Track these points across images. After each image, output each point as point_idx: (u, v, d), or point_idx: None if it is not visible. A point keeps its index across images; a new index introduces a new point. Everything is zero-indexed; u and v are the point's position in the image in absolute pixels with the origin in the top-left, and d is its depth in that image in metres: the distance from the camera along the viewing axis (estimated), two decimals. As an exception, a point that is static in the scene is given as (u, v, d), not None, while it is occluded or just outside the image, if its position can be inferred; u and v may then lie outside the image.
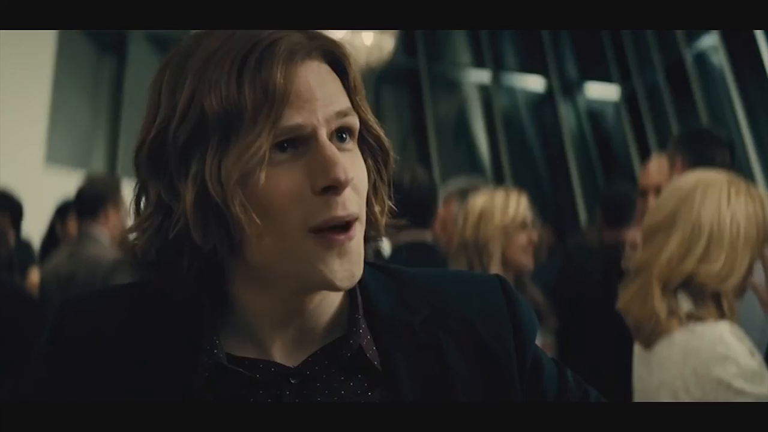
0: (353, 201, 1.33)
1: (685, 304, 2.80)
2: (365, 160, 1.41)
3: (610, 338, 3.38)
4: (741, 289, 2.85)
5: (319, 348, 1.42)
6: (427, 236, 4.51)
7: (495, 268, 4.12)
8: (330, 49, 1.38)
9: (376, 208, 1.45)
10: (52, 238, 6.38)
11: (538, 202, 9.22)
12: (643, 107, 13.50)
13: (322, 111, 1.31)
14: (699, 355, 2.67)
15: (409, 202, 4.45)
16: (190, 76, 1.30)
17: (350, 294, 1.48)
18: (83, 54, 10.83)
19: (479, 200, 4.33)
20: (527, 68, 14.75)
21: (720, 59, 11.69)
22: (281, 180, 1.29)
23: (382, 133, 1.45)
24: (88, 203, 5.28)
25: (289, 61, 1.29)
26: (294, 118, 1.28)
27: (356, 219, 1.33)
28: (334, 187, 1.29)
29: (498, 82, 14.21)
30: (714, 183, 2.89)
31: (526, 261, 4.26)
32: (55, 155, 9.89)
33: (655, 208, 3.02)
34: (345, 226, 1.32)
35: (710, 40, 11.92)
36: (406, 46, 13.57)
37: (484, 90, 14.24)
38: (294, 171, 1.29)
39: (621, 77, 14.32)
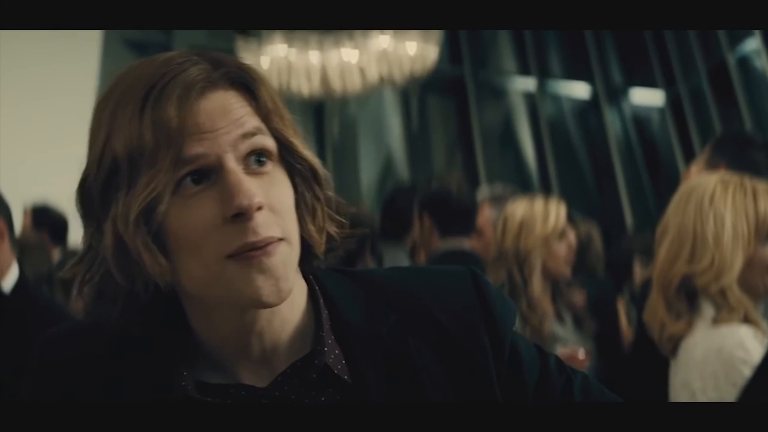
0: (269, 224, 1.32)
1: (708, 310, 2.82)
2: (294, 180, 1.42)
3: (650, 347, 3.37)
4: (752, 289, 2.85)
5: (288, 366, 1.42)
6: (465, 244, 4.53)
7: (536, 279, 4.12)
8: (236, 74, 1.38)
9: (312, 228, 1.43)
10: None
11: (584, 209, 9.13)
12: (688, 112, 13.42)
13: (225, 137, 1.31)
14: (719, 357, 2.69)
15: (459, 211, 4.50)
16: (106, 119, 1.33)
17: (314, 307, 1.48)
18: (127, 69, 10.92)
19: (519, 209, 4.27)
20: (572, 75, 14.70)
21: (763, 63, 11.61)
22: (193, 212, 1.30)
23: (306, 152, 1.43)
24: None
25: (186, 96, 1.30)
26: (195, 149, 1.29)
27: (276, 240, 1.33)
28: (242, 214, 1.29)
29: (543, 89, 14.17)
30: (699, 185, 2.94)
31: (565, 270, 4.25)
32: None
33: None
34: (261, 248, 1.31)
35: (753, 44, 11.85)
36: (451, 54, 13.57)
37: (529, 98, 14.20)
38: (206, 202, 1.30)
39: (665, 82, 14.25)
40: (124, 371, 1.41)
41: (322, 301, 1.48)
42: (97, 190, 1.33)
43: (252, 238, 1.29)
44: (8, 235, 3.57)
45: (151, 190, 1.27)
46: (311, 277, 1.50)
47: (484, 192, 5.72)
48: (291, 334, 1.44)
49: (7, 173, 8.24)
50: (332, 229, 1.48)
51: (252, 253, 1.30)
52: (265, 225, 1.31)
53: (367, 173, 12.97)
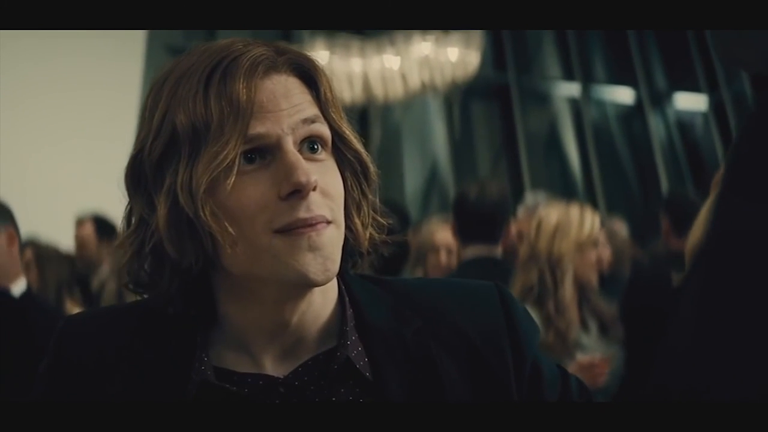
0: (320, 204, 1.34)
1: None
2: (343, 174, 1.43)
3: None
4: None
5: (310, 358, 1.42)
6: (494, 251, 4.52)
7: (568, 284, 4.09)
8: (298, 62, 1.41)
9: (358, 222, 1.46)
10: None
11: (629, 214, 9.07)
12: (731, 116, 13.33)
13: (287, 120, 1.34)
14: None
15: (476, 217, 4.49)
16: (165, 95, 1.35)
17: (341, 306, 1.48)
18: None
19: (554, 213, 4.22)
20: (616, 80, 14.66)
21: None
22: (248, 188, 1.31)
23: (359, 146, 1.45)
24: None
25: (252, 73, 1.33)
26: (257, 128, 1.31)
27: (326, 221, 1.34)
28: (298, 191, 1.30)
29: (588, 94, 14.14)
30: None
31: (593, 278, 4.21)
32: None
33: None
34: (311, 225, 1.33)
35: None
36: (495, 60, 13.57)
37: (573, 103, 14.18)
38: (261, 179, 1.32)
39: (709, 87, 14.17)
40: (144, 354, 1.42)
41: (347, 300, 1.49)
42: (151, 162, 1.34)
43: (304, 215, 1.31)
44: (18, 243, 3.63)
45: (222, 159, 1.28)
46: (338, 278, 1.49)
47: (534, 198, 5.71)
48: (319, 329, 1.44)
49: (49, 179, 8.36)
50: (373, 231, 1.49)
51: (301, 230, 1.31)
52: (317, 204, 1.33)
53: (412, 180, 12.98)
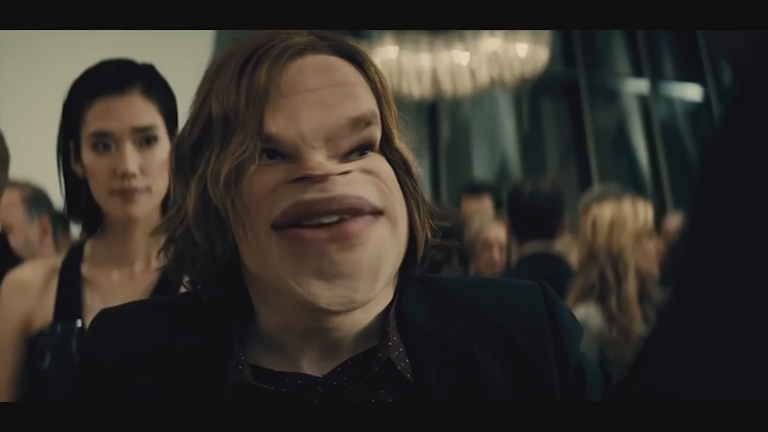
0: (355, 183, 1.25)
1: None
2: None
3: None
4: None
5: (349, 358, 1.35)
6: (551, 247, 4.61)
7: (631, 277, 4.09)
8: (343, 46, 1.35)
9: (417, 220, 1.36)
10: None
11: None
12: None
13: (315, 115, 1.26)
14: None
15: (531, 213, 4.56)
16: (207, 81, 1.33)
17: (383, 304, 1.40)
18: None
19: (607, 209, 4.21)
20: (684, 77, 14.57)
21: None
22: (262, 176, 1.25)
23: (403, 144, 1.37)
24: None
25: (279, 57, 1.27)
26: (270, 126, 1.25)
27: (364, 208, 1.24)
28: (309, 177, 1.22)
29: (656, 91, 14.06)
30: None
31: (654, 269, 4.21)
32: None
33: None
34: (334, 224, 1.23)
35: None
36: (564, 56, 13.54)
37: (642, 100, 14.11)
38: (276, 170, 1.26)
39: (776, 83, 14.03)
40: (180, 352, 1.37)
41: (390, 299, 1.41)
42: (188, 147, 1.31)
43: (316, 195, 1.22)
44: (51, 233, 3.74)
45: (243, 150, 1.23)
46: None
47: (593, 193, 5.72)
48: (359, 329, 1.35)
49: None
50: (428, 232, 1.39)
51: (301, 233, 1.23)
52: (351, 185, 1.24)
53: (481, 176, 12.97)
